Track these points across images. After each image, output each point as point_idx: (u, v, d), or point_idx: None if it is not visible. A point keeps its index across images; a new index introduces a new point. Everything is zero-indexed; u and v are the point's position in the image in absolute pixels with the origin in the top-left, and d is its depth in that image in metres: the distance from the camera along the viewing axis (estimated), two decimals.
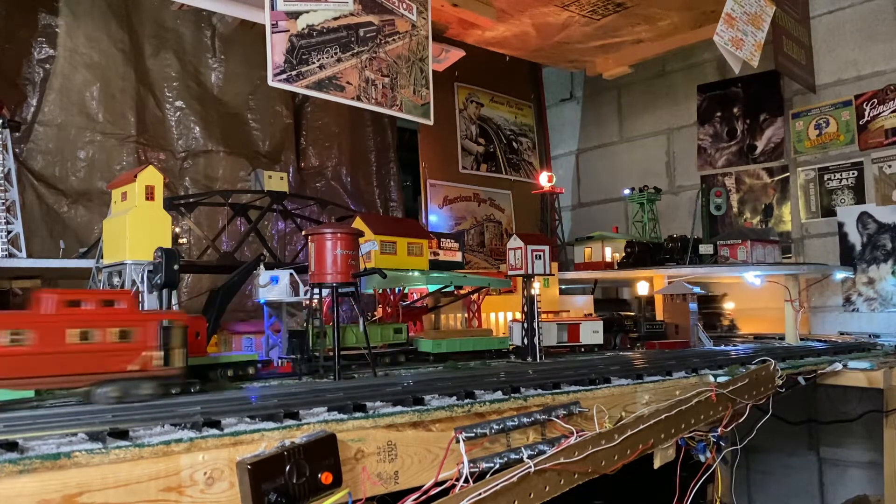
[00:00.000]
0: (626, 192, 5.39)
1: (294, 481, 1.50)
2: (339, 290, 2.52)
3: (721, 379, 2.62)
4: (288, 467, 1.50)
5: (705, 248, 4.49)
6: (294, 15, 2.91)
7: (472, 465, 1.78)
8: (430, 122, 3.56)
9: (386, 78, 3.26)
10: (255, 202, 3.86)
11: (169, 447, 1.43)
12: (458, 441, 1.80)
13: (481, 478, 1.74)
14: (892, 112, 4.85)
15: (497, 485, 1.69)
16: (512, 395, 2.12)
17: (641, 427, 2.14)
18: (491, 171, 6.06)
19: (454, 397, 2.03)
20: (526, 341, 3.21)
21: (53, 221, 3.98)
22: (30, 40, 4.03)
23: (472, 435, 1.85)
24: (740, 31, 3.93)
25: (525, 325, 3.21)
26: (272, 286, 2.81)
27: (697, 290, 4.01)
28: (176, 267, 2.09)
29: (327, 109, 5.16)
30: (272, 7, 2.85)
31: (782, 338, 4.36)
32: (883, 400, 3.37)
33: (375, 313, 3.65)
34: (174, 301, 2.21)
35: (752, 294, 4.96)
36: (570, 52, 5.63)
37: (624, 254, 4.72)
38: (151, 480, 1.39)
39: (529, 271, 3.17)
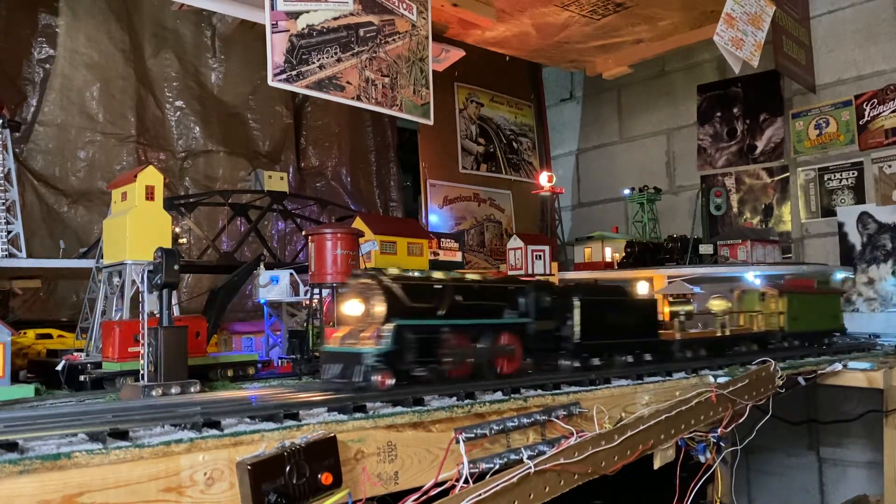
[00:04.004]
0: (626, 192, 5.39)
1: (294, 482, 1.50)
2: (339, 290, 2.52)
3: (721, 379, 2.62)
4: (288, 468, 1.50)
5: (705, 248, 4.49)
6: (294, 15, 2.91)
7: (471, 465, 1.78)
8: (430, 122, 3.55)
9: (386, 78, 3.26)
10: (255, 202, 3.87)
11: (169, 447, 1.43)
12: (458, 441, 1.80)
13: (481, 478, 1.74)
14: (892, 112, 4.85)
15: (497, 485, 1.69)
16: (512, 395, 2.12)
17: (641, 428, 2.14)
18: (491, 171, 6.06)
19: (454, 398, 2.03)
20: None
21: (53, 221, 3.98)
22: (30, 40, 4.03)
23: (472, 435, 1.85)
24: (740, 31, 3.93)
25: None
26: (272, 286, 2.82)
27: (698, 289, 4.01)
28: (176, 267, 2.08)
29: (327, 109, 5.16)
30: (272, 7, 2.85)
31: None
32: (883, 400, 3.37)
33: None
34: (174, 301, 2.21)
35: None
36: (570, 52, 5.63)
37: (624, 254, 4.73)
38: (151, 481, 1.39)
39: (529, 271, 3.17)
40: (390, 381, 1.99)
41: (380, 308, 2.07)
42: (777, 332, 3.61)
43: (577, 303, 2.62)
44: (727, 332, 3.37)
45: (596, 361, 2.67)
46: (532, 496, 1.81)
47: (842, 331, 4.15)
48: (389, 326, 2.02)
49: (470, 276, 2.38)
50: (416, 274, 2.24)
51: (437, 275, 2.23)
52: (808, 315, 3.80)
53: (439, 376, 2.15)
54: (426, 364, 2.11)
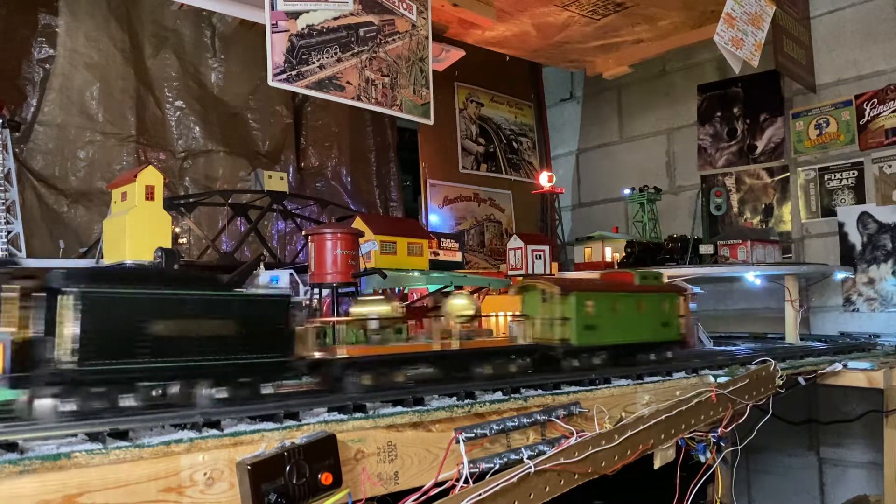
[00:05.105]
0: (626, 192, 5.39)
1: (294, 482, 1.50)
2: (339, 290, 2.52)
3: (721, 379, 2.62)
4: (288, 468, 1.50)
5: (705, 248, 4.49)
6: (294, 15, 2.91)
7: (472, 465, 1.78)
8: (430, 122, 3.56)
9: (386, 78, 3.26)
10: (255, 202, 3.87)
11: (169, 447, 1.44)
12: (458, 441, 1.80)
13: (481, 478, 1.74)
14: (892, 112, 4.85)
15: (497, 485, 1.69)
16: (512, 395, 2.12)
17: (641, 427, 2.14)
18: (491, 171, 6.06)
19: (454, 398, 2.03)
20: None
21: (53, 221, 3.98)
22: (30, 40, 4.03)
23: (472, 435, 1.86)
24: (740, 30, 3.93)
25: None
26: (272, 286, 2.82)
27: (698, 289, 4.01)
28: (176, 267, 2.09)
29: (327, 109, 5.16)
30: (272, 7, 2.85)
31: None
32: (883, 400, 3.37)
33: None
34: None
35: None
36: (570, 51, 5.62)
37: (624, 254, 4.72)
38: (151, 481, 1.39)
39: (529, 271, 3.17)
40: None
41: None
42: (557, 346, 2.53)
43: (69, 301, 1.48)
44: (455, 347, 2.26)
45: (130, 402, 1.57)
46: (532, 496, 1.81)
47: (679, 343, 3.03)
48: None
49: None
50: None
51: None
52: (617, 323, 2.71)
53: None
54: None
